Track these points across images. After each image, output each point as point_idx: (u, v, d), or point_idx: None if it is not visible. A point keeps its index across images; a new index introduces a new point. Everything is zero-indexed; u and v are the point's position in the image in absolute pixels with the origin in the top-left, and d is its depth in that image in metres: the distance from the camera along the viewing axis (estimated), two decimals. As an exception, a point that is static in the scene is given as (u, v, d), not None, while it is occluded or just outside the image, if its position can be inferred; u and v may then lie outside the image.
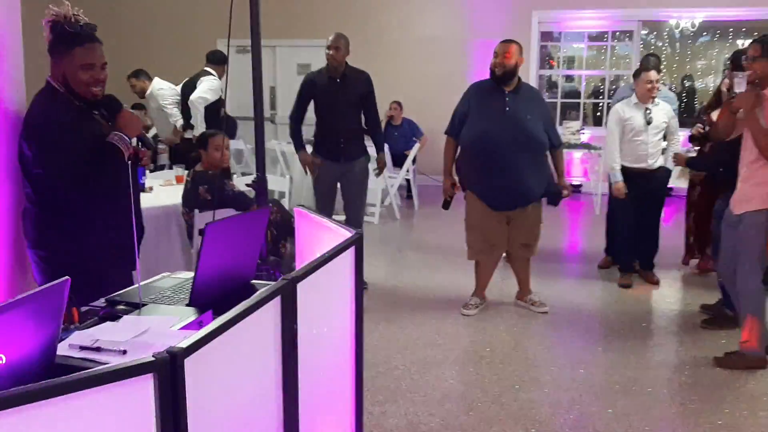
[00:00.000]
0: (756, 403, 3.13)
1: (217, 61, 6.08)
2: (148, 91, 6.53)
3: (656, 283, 4.87)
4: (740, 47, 7.86)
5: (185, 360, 1.06)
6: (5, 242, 2.36)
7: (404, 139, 8.20)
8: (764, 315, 3.48)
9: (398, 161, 7.61)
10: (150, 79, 6.52)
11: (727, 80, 4.47)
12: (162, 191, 4.21)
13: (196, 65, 9.39)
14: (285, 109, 9.74)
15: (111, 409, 1.01)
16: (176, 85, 6.51)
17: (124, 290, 1.92)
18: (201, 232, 3.77)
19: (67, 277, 1.27)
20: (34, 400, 0.94)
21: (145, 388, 1.03)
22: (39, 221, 2.32)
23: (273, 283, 2.11)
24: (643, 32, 9.40)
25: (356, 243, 1.83)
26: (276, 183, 5.54)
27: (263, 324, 1.36)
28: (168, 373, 1.04)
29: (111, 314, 1.67)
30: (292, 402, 1.47)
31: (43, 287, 1.23)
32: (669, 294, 4.79)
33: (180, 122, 6.27)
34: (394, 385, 3.29)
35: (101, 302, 1.80)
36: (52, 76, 2.30)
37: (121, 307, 1.75)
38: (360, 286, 1.86)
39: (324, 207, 4.68)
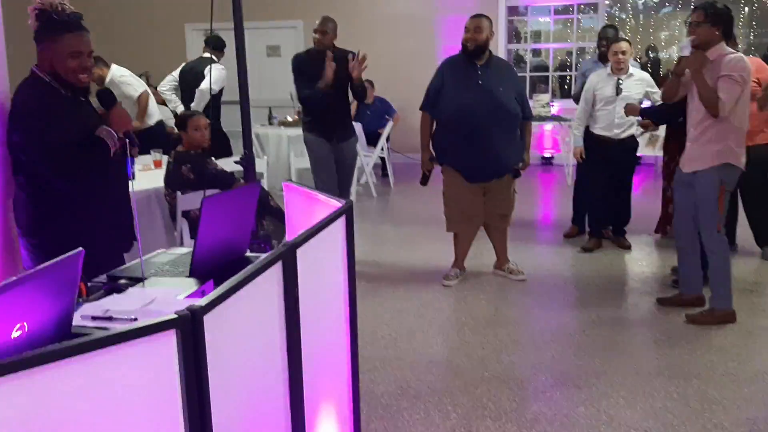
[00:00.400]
0: (726, 354, 3.30)
1: (220, 47, 6.14)
2: (107, 79, 6.34)
3: (628, 247, 5.04)
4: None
5: (204, 317, 1.14)
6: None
7: (377, 117, 8.25)
8: (730, 270, 3.66)
9: (372, 140, 7.67)
10: (107, 66, 6.32)
11: None
12: (142, 176, 4.23)
13: (161, 51, 9.35)
14: (255, 92, 9.72)
15: (137, 364, 1.08)
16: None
17: (123, 266, 1.98)
18: (184, 214, 3.82)
19: (80, 248, 1.33)
20: (68, 356, 1.01)
21: (168, 343, 1.11)
22: (31, 209, 2.34)
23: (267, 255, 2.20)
24: (607, 2, 9.55)
25: (347, 212, 1.91)
26: (227, 163, 5.56)
27: (268, 285, 1.44)
28: (189, 328, 1.11)
29: (115, 288, 1.74)
30: (296, 359, 1.55)
31: (58, 259, 1.29)
32: (641, 258, 4.97)
33: (180, 108, 6.26)
34: (381, 354, 3.39)
35: (103, 278, 1.86)
36: (38, 66, 2.32)
37: (123, 281, 1.81)
38: (352, 251, 1.94)
39: (329, 186, 4.65)
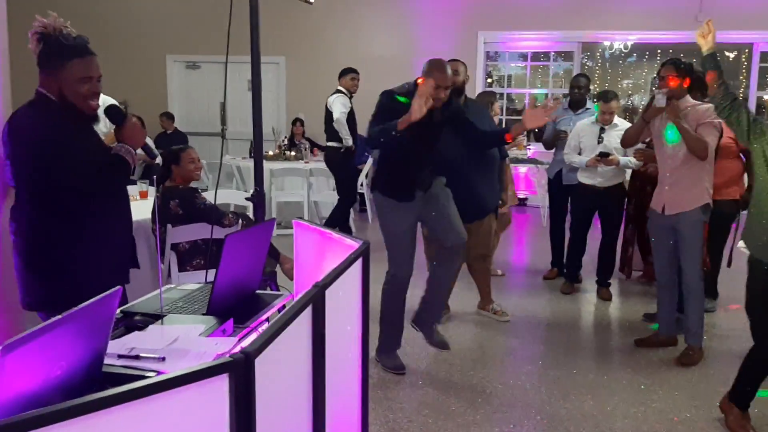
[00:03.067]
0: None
1: (342, 73, 6.82)
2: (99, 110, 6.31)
3: (609, 299, 5.04)
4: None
5: (255, 360, 1.13)
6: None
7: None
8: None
9: (351, 176, 7.73)
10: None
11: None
12: (127, 207, 4.16)
13: (143, 82, 9.31)
14: (235, 125, 9.75)
15: (188, 409, 1.07)
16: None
17: (137, 301, 1.95)
18: (173, 247, 3.77)
19: (119, 286, 1.31)
20: (120, 402, 0.99)
21: (220, 387, 1.09)
22: (35, 238, 2.25)
23: (276, 293, 2.19)
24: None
25: (365, 253, 1.92)
26: (235, 197, 5.54)
27: (301, 326, 1.44)
28: (242, 372, 1.10)
29: (133, 324, 1.71)
30: (320, 401, 1.54)
31: (97, 298, 1.27)
32: (617, 302, 5.05)
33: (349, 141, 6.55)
34: (370, 394, 3.36)
35: (117, 313, 1.83)
36: (43, 88, 2.22)
37: (139, 317, 1.78)
38: (367, 291, 1.95)
39: (405, 260, 3.67)
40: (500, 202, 4.47)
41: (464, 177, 4.11)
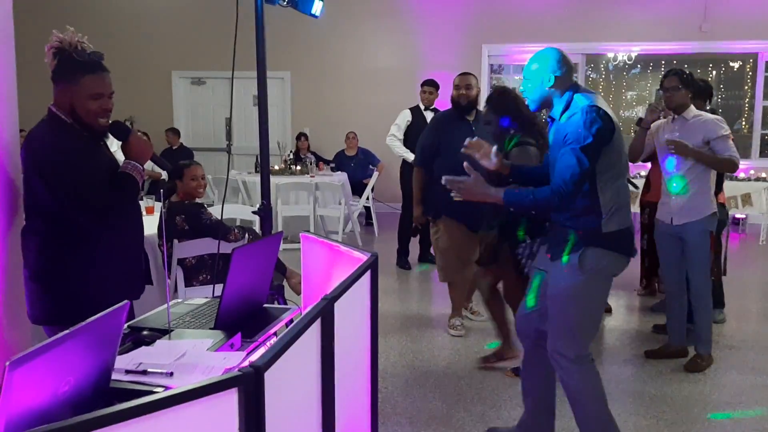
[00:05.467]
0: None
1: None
2: None
3: (608, 311, 4.95)
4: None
5: (265, 373, 1.12)
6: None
7: (361, 167, 8.37)
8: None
9: (356, 189, 7.73)
10: None
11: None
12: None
13: (148, 98, 9.36)
14: (240, 140, 9.79)
15: (197, 425, 1.06)
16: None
17: (144, 316, 1.94)
18: (180, 262, 3.77)
19: (126, 301, 1.30)
20: (131, 417, 0.98)
21: (229, 401, 1.08)
22: (47, 254, 2.24)
23: (284, 306, 2.18)
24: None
25: (373, 265, 1.91)
26: (241, 212, 5.56)
27: (310, 339, 1.43)
28: (252, 386, 1.09)
29: (143, 340, 1.70)
30: (330, 413, 1.53)
31: (104, 313, 1.27)
32: (626, 314, 5.01)
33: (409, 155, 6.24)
34: (379, 408, 3.33)
35: (125, 328, 1.82)
36: (55, 105, 2.24)
37: (147, 332, 1.77)
38: (376, 304, 1.94)
39: None
40: None
41: None
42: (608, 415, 2.73)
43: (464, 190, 2.61)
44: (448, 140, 4.23)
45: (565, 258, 2.55)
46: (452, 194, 2.63)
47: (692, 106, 3.80)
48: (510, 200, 2.54)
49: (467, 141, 2.74)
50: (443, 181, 2.56)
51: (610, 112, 2.46)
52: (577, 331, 2.61)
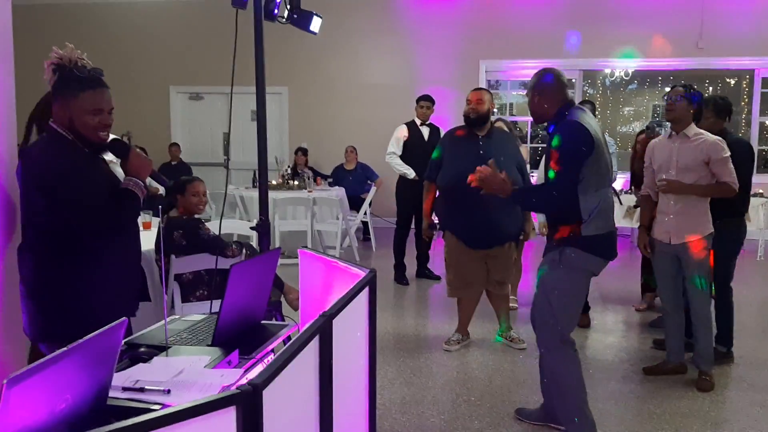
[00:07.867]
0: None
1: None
2: None
3: (587, 325, 4.96)
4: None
5: (263, 391, 1.11)
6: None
7: (359, 182, 8.38)
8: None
9: (354, 204, 7.74)
10: None
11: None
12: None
13: (146, 113, 9.36)
14: (237, 155, 9.80)
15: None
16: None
17: (141, 333, 1.93)
18: (176, 277, 3.75)
19: (124, 318, 1.30)
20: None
21: (228, 420, 1.08)
22: (44, 270, 2.22)
23: (281, 323, 2.17)
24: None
25: (371, 282, 1.91)
26: (239, 227, 5.54)
27: (308, 356, 1.42)
28: (250, 404, 1.09)
29: (140, 357, 1.69)
30: (327, 431, 1.52)
31: (101, 330, 1.26)
32: (624, 330, 5.00)
33: (410, 173, 6.20)
34: (377, 425, 3.31)
35: (122, 345, 1.81)
36: (55, 121, 2.23)
37: (144, 349, 1.76)
38: (374, 320, 1.93)
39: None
40: (523, 233, 4.47)
41: (482, 203, 4.10)
42: (584, 402, 3.02)
43: (483, 180, 2.98)
44: (451, 153, 4.26)
45: (549, 254, 3.01)
46: (468, 181, 3.02)
47: (693, 125, 3.73)
48: (516, 198, 3.10)
49: (477, 168, 3.03)
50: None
51: (593, 128, 2.84)
52: (558, 319, 2.97)
